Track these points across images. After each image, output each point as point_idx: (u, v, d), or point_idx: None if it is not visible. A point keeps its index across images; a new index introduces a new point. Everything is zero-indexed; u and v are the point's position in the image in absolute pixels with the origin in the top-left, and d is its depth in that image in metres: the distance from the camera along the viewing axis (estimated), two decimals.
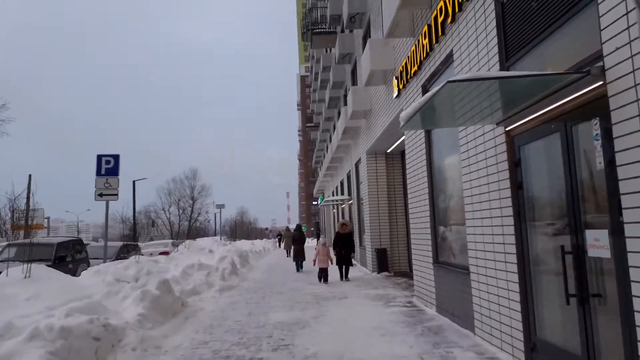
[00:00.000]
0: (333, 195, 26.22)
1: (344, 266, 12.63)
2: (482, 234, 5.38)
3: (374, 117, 13.02)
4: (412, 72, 8.32)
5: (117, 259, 15.67)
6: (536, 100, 4.01)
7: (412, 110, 4.14)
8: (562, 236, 3.87)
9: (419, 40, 7.83)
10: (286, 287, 11.86)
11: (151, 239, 53.54)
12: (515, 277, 4.57)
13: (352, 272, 13.35)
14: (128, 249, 16.97)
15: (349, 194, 19.78)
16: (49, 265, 11.53)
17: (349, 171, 19.10)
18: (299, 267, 16.25)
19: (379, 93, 11.99)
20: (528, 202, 4.53)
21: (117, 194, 11.50)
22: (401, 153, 14.34)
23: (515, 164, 4.73)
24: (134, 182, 34.13)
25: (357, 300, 9.35)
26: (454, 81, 3.36)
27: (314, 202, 66.96)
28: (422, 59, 7.73)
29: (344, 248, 12.40)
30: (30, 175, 47.64)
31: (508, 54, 4.86)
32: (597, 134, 3.43)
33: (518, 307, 4.51)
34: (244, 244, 31.43)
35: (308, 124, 42.27)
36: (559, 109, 3.86)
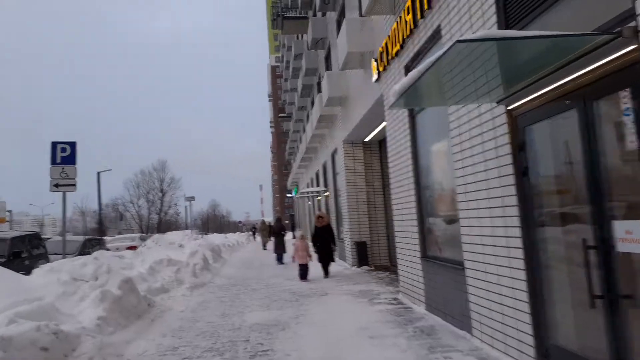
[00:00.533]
0: (308, 187, 25.64)
1: (325, 262, 11.77)
2: (480, 226, 4.89)
3: (351, 104, 12.47)
4: (394, 52, 7.78)
5: (80, 254, 14.75)
6: (549, 71, 3.52)
7: (408, 82, 3.59)
8: (581, 228, 3.40)
9: (401, 17, 7.28)
10: (262, 284, 11.26)
11: (119, 233, 52.02)
12: (522, 274, 4.09)
13: (332, 266, 12.87)
14: (92, 243, 16.03)
15: (325, 185, 19.25)
16: (1, 263, 10.65)
17: (325, 162, 18.55)
18: (280, 259, 16.23)
19: (356, 78, 11.44)
20: (535, 190, 4.05)
21: (74, 185, 10.63)
22: (379, 142, 13.87)
23: (519, 148, 4.24)
24: (98, 173, 32.82)
25: (339, 297, 8.83)
26: (463, 41, 2.82)
27: (288, 195, 66.29)
28: (404, 37, 7.18)
29: (323, 242, 11.57)
30: None
31: (509, 23, 4.34)
32: (627, 109, 2.95)
33: (526, 307, 4.03)
34: (216, 238, 30.61)
35: (280, 115, 41.43)
36: (576, 82, 3.37)
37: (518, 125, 4.26)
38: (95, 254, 8.93)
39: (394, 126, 8.25)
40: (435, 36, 6.18)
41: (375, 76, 9.10)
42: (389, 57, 8.15)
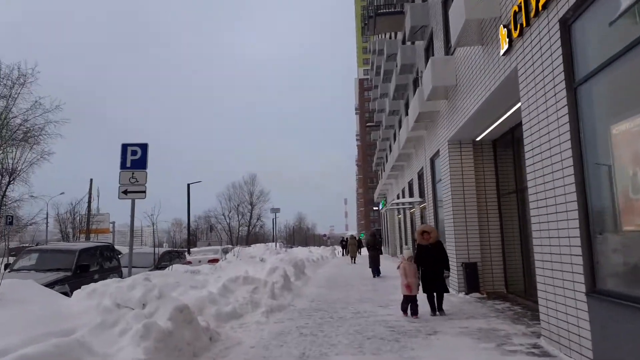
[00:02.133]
0: (399, 198, 23.40)
1: (435, 293, 8.54)
2: None
3: (460, 95, 10.25)
4: (541, 4, 5.59)
5: (157, 268, 13.82)
6: None
7: None
8: None
9: None
10: (351, 310, 9.32)
11: (209, 244, 52.87)
12: None
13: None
14: (171, 256, 15.10)
15: (421, 195, 16.98)
16: (67, 277, 9.70)
17: (421, 169, 16.30)
18: (376, 272, 16.73)
19: (470, 59, 9.24)
20: None
21: (144, 191, 9.47)
22: (493, 142, 11.47)
23: None
24: (188, 185, 32.91)
25: (455, 339, 6.61)
26: None
27: (374, 208, 64.00)
28: None
29: (431, 265, 8.38)
30: (91, 180, 48.32)
31: None
32: None
33: None
34: (300, 252, 29.23)
35: (368, 124, 39.72)
36: None
37: None
38: (157, 273, 7.59)
39: (537, 107, 5.99)
40: None
41: (504, 47, 6.91)
42: (530, 16, 5.96)
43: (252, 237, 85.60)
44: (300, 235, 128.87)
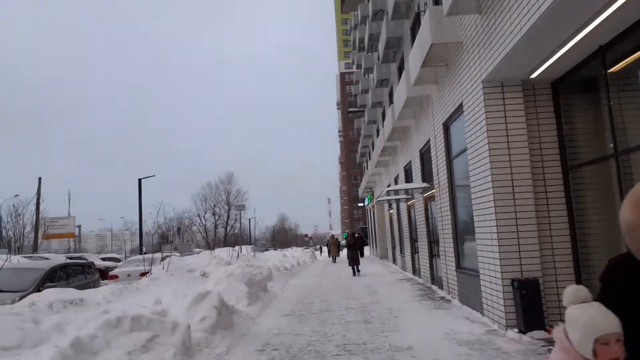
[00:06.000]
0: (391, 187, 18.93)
1: None
2: None
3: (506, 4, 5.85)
4: None
5: (36, 291, 9.11)
6: None
7: None
8: None
9: None
10: None
11: (175, 249, 47.72)
12: None
13: (445, 322, 6.36)
14: (69, 271, 10.37)
15: (424, 179, 12.59)
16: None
17: (426, 143, 11.90)
18: (355, 271, 17.61)
19: None
20: None
21: None
22: (554, 84, 7.12)
23: None
24: (139, 180, 27.99)
25: None
26: None
27: (359, 204, 59.63)
28: None
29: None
30: (40, 179, 42.97)
31: None
32: None
33: None
34: (272, 256, 24.65)
35: (350, 109, 35.42)
36: None
37: None
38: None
39: None
40: None
41: None
42: None
43: (232, 239, 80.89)
44: (282, 236, 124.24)
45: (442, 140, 9.95)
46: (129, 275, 13.94)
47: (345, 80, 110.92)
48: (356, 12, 28.91)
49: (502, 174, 6.95)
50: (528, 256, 6.81)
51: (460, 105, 8.33)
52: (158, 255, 15.20)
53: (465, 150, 8.33)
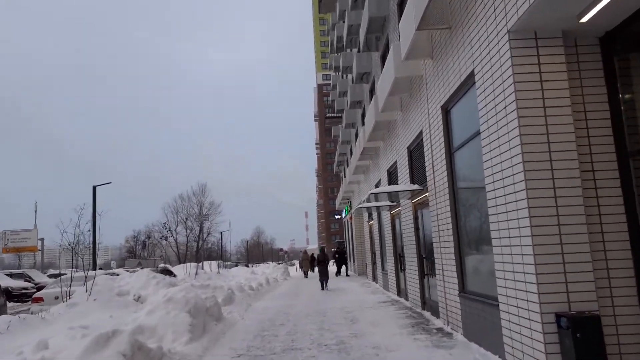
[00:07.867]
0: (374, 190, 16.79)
1: None
2: None
3: None
4: None
5: None
6: None
7: None
8: None
9: None
10: None
11: (139, 264, 44.55)
12: None
13: None
14: None
15: (413, 180, 10.51)
16: None
17: (417, 135, 9.84)
18: (324, 285, 18.24)
19: None
20: None
21: None
22: (602, 38, 5.13)
23: None
24: (94, 187, 25.20)
25: None
26: None
27: (336, 217, 57.53)
28: None
29: None
30: None
31: None
32: None
33: None
34: (238, 273, 22.18)
35: (328, 115, 33.69)
36: None
37: None
38: None
39: None
40: None
41: None
42: None
43: (205, 253, 77.53)
44: (257, 250, 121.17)
45: (441, 128, 7.87)
46: (56, 298, 11.41)
47: (322, 92, 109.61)
48: (334, 13, 27.25)
49: (539, 161, 4.88)
50: (578, 279, 4.72)
51: (471, 75, 6.26)
52: (93, 273, 12.66)
53: (475, 135, 6.27)
